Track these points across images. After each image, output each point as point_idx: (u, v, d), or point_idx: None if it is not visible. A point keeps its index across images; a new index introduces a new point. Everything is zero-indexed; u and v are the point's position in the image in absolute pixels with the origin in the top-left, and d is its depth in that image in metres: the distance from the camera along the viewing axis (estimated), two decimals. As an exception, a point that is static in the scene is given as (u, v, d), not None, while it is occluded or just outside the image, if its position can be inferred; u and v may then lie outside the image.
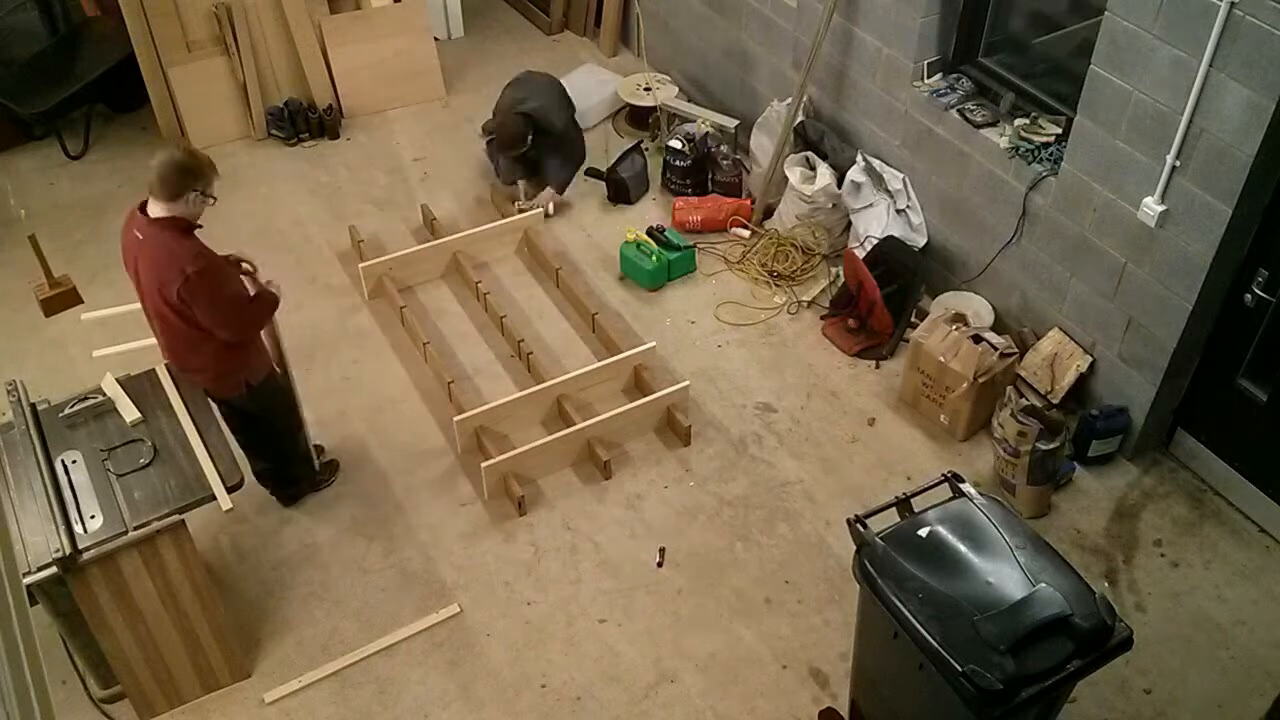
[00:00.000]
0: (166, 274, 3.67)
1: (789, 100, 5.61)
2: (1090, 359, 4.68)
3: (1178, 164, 3.97)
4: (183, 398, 3.87)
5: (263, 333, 4.19)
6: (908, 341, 5.00)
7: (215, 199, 3.79)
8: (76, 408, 3.80)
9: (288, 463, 4.49)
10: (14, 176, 6.33)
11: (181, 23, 6.21)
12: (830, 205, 5.54)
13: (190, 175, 3.66)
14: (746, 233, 5.82)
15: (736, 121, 6.17)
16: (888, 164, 5.33)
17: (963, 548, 3.23)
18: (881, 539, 3.26)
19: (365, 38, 6.61)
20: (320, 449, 4.72)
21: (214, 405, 3.99)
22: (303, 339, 5.19)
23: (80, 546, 3.35)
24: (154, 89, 6.35)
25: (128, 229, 3.78)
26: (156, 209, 3.67)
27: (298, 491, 4.60)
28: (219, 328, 3.82)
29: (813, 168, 5.57)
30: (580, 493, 4.65)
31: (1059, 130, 4.61)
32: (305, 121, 6.55)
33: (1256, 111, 3.66)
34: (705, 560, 4.39)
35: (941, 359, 4.67)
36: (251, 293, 3.98)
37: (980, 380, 4.61)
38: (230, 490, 3.59)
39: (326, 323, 5.43)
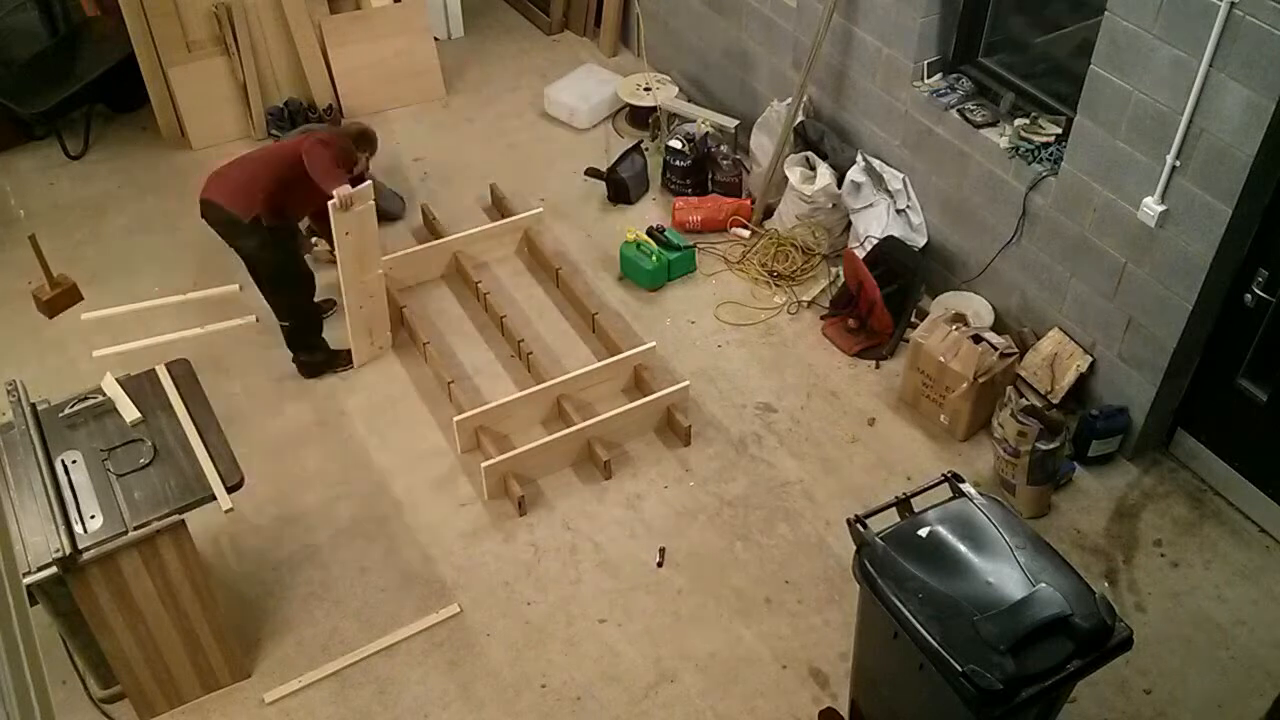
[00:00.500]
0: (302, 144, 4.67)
1: (789, 100, 5.61)
2: (1090, 359, 4.68)
3: (1178, 164, 3.97)
4: (183, 398, 3.87)
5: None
6: (908, 341, 5.00)
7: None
8: (76, 408, 3.80)
9: (304, 318, 4.96)
10: (14, 176, 6.32)
11: (181, 23, 6.21)
12: (830, 205, 5.54)
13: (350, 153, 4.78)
14: (746, 233, 5.82)
15: (736, 121, 6.17)
16: (888, 164, 5.32)
17: (963, 548, 3.23)
18: (881, 539, 3.26)
19: (365, 38, 6.61)
20: (331, 302, 5.26)
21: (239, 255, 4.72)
22: (303, 339, 5.18)
23: (80, 546, 3.35)
24: (154, 89, 6.36)
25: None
26: None
27: (313, 362, 5.02)
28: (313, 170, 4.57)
29: (813, 168, 5.57)
30: (580, 493, 4.65)
31: (1059, 130, 4.60)
32: (305, 121, 6.53)
33: (1256, 111, 3.66)
34: (705, 560, 4.39)
35: (941, 359, 4.67)
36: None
37: (980, 380, 4.61)
38: (230, 490, 3.59)
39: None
